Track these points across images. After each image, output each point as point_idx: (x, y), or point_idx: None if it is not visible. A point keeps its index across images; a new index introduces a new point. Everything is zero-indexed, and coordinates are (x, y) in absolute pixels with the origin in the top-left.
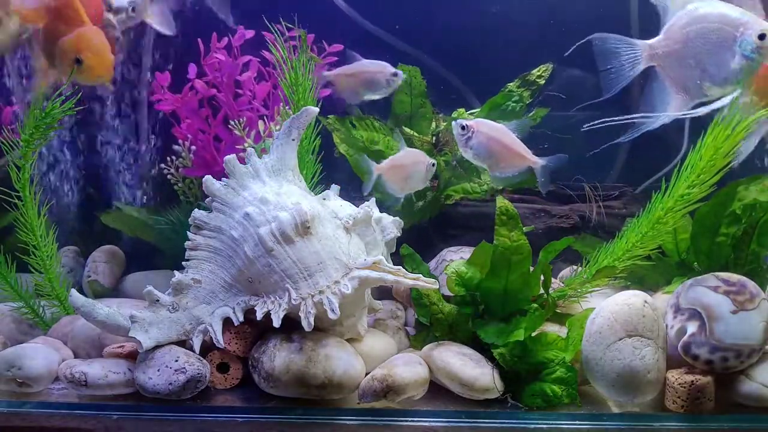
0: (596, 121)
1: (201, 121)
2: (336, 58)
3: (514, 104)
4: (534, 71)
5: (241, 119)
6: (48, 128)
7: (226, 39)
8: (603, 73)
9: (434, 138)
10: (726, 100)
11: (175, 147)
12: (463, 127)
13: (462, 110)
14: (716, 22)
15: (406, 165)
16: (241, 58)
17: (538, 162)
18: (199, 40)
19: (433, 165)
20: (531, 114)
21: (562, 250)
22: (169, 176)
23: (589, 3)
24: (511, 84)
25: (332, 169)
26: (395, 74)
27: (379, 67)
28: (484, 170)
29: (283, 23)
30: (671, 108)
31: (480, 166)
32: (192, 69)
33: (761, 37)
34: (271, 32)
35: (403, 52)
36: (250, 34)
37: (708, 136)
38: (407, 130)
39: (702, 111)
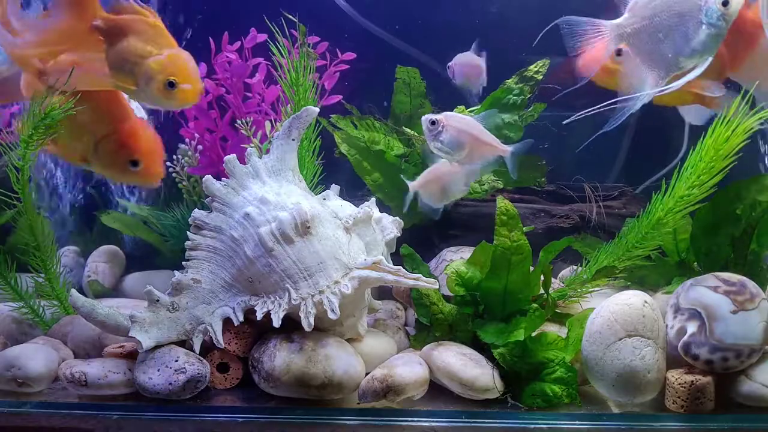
0: (574, 116)
1: (210, 121)
2: (347, 66)
3: (515, 98)
4: (531, 67)
5: (248, 119)
6: (48, 130)
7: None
8: (574, 58)
9: None
10: (697, 71)
11: (181, 146)
12: (432, 122)
13: (462, 107)
14: None
15: (440, 176)
16: (251, 60)
17: (507, 150)
18: (210, 38)
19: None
20: (530, 109)
21: (562, 250)
22: (174, 175)
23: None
24: (509, 80)
25: (333, 170)
26: None
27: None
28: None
29: (283, 18)
30: (647, 86)
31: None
32: (201, 68)
33: (724, 3)
34: (276, 32)
35: (403, 52)
36: (262, 37)
37: (708, 137)
38: (407, 130)
39: (676, 85)
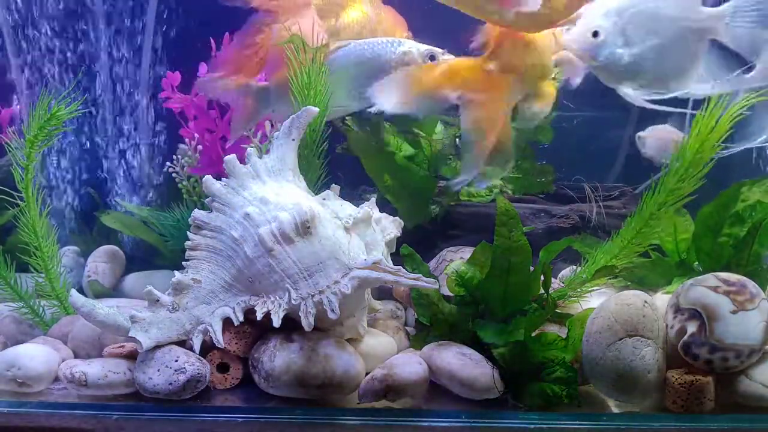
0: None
1: (210, 121)
2: None
3: None
4: None
5: None
6: (53, 130)
7: None
8: None
9: (456, 139)
10: None
11: (181, 146)
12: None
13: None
14: None
15: None
16: None
17: None
18: (211, 38)
19: None
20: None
21: (562, 250)
22: (174, 175)
23: None
24: None
25: (334, 168)
26: None
27: None
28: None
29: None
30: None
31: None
32: (202, 68)
33: None
34: None
35: None
36: None
37: (693, 128)
38: (415, 129)
39: None
